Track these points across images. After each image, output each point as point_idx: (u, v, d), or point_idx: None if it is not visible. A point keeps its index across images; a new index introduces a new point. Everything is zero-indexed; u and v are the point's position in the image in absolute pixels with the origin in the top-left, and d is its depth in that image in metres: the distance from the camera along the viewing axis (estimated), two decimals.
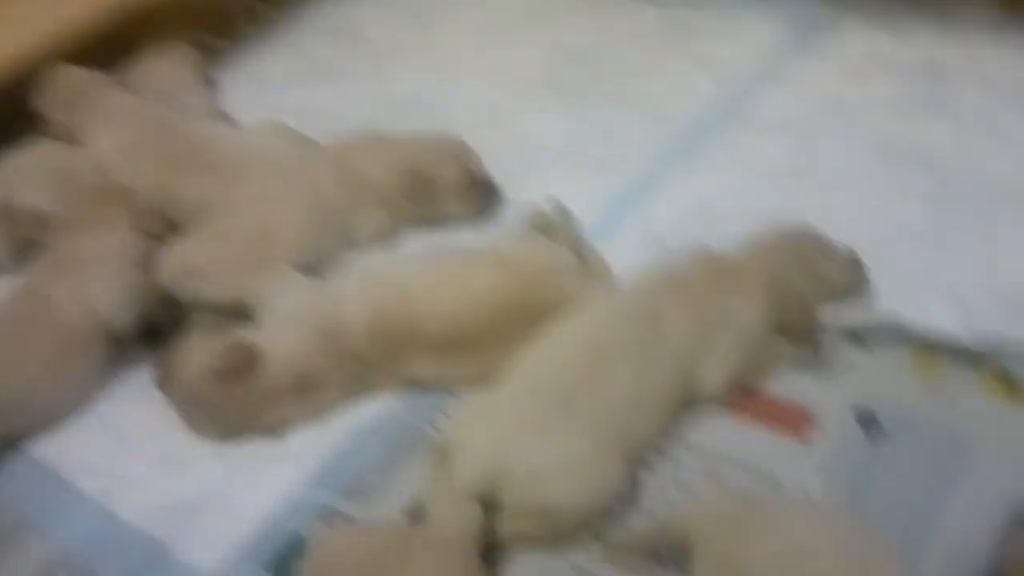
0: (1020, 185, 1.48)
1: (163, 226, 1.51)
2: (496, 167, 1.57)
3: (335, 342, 1.30)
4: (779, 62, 1.86)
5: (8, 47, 1.72)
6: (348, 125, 1.63)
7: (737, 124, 1.71)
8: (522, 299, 1.31)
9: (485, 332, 1.29)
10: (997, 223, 1.42)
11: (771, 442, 1.22)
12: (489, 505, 1.11)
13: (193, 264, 1.43)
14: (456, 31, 2.13)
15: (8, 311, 1.38)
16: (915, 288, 1.32)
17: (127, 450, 1.29)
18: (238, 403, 1.28)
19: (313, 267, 1.46)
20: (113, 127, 1.65)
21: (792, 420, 1.24)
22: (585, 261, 1.42)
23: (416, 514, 1.14)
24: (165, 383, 1.31)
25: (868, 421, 1.22)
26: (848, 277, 1.32)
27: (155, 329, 1.40)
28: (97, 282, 1.39)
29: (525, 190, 1.56)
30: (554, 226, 1.46)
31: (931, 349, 1.28)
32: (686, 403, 1.24)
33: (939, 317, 1.28)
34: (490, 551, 1.11)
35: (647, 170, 1.63)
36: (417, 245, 1.54)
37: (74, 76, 1.75)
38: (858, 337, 1.31)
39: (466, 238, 1.53)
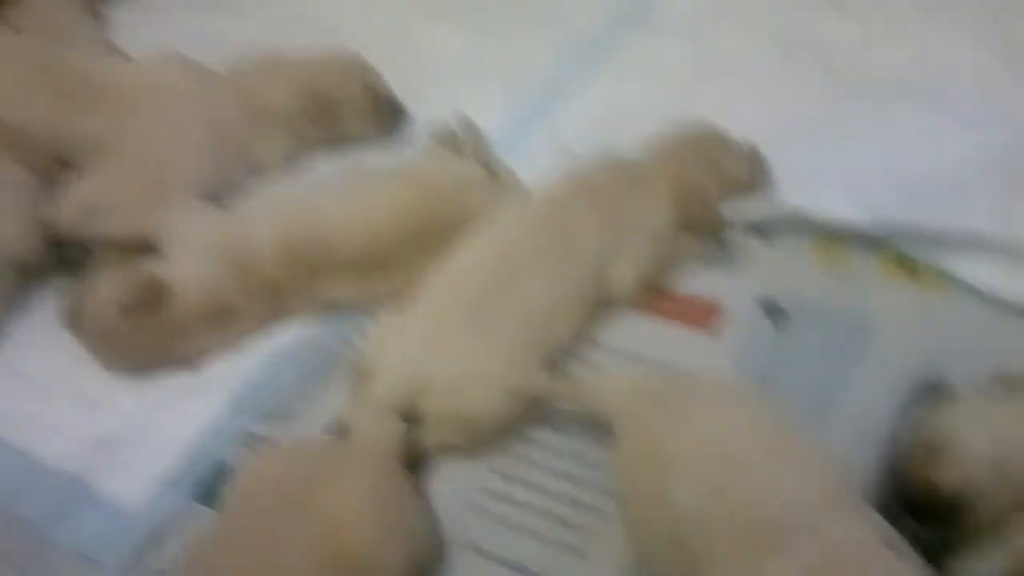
0: (916, 76, 1.51)
1: (56, 165, 1.46)
2: (398, 84, 1.55)
3: (245, 270, 1.28)
4: None
5: None
6: (243, 50, 1.58)
7: (637, 28, 1.71)
8: (432, 215, 1.31)
9: (397, 250, 1.29)
10: (895, 113, 1.45)
11: (683, 338, 1.25)
12: (410, 418, 1.12)
13: (93, 202, 1.39)
14: None
15: None
16: (815, 179, 1.34)
17: (41, 393, 1.26)
18: (149, 337, 1.26)
19: (217, 196, 1.43)
20: None
21: (702, 315, 1.27)
22: (494, 174, 1.42)
23: (339, 432, 1.15)
24: (73, 322, 1.28)
25: (774, 310, 1.26)
26: (750, 172, 1.34)
27: (60, 265, 1.36)
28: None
29: (429, 106, 1.54)
30: (461, 141, 1.46)
31: (832, 238, 1.32)
32: (599, 306, 1.27)
33: (839, 206, 1.31)
34: (415, 462, 1.12)
35: (551, 79, 1.62)
36: (323, 168, 1.51)
37: None
38: (762, 230, 1.34)
39: (372, 158, 1.51)
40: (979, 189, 1.26)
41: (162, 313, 1.25)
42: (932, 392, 1.09)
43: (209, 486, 1.15)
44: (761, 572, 0.85)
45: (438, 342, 1.15)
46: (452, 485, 1.13)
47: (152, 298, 1.24)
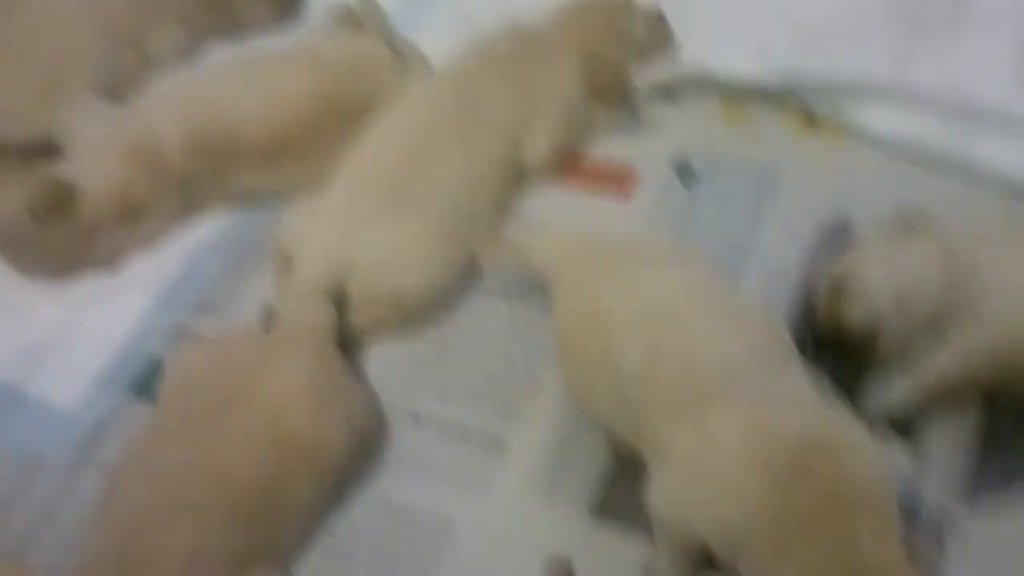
0: None
1: None
2: None
3: (152, 165, 1.26)
4: None
5: None
6: None
7: None
8: (339, 96, 1.31)
9: (306, 134, 1.29)
10: None
11: (598, 204, 1.28)
12: (339, 300, 1.14)
13: None
14: None
15: None
16: (716, 35, 1.36)
17: None
18: (62, 241, 1.24)
19: (114, 93, 1.39)
20: None
21: (616, 181, 1.30)
22: (398, 51, 1.41)
23: (269, 319, 1.16)
24: None
25: (685, 170, 1.30)
26: (654, 35, 1.36)
27: None
28: None
29: None
30: (362, 19, 1.43)
31: (737, 96, 1.35)
32: (515, 179, 1.29)
33: (740, 61, 1.33)
34: (347, 342, 1.14)
35: None
36: (222, 55, 1.48)
37: None
38: (669, 93, 1.36)
39: (272, 42, 1.48)
40: (876, 35, 1.29)
41: (72, 216, 1.22)
42: (838, 236, 1.15)
43: (146, 382, 1.15)
44: (701, 428, 0.87)
45: (358, 223, 1.16)
46: (387, 360, 1.16)
47: (60, 201, 1.22)
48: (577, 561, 0.99)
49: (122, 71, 1.43)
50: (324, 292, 1.13)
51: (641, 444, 0.95)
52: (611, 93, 1.33)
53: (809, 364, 0.95)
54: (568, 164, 1.31)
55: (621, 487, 1.03)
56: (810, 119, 1.32)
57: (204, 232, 1.30)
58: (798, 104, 1.33)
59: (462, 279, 1.20)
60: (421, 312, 1.18)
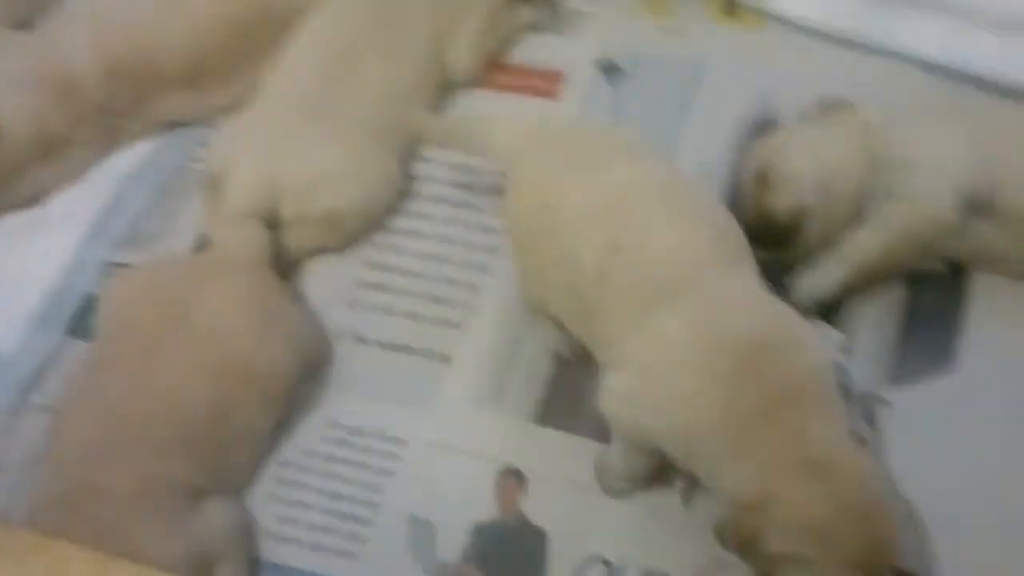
0: None
1: None
2: None
3: (69, 96, 1.23)
4: None
5: None
6: None
7: None
8: (257, 13, 1.28)
9: (226, 54, 1.26)
10: None
11: (527, 107, 1.28)
12: (273, 223, 1.13)
13: None
14: None
15: None
16: None
17: None
18: None
19: (22, 21, 1.34)
20: None
21: (543, 84, 1.30)
22: None
23: (203, 247, 1.15)
24: None
25: (609, 68, 1.29)
26: None
27: None
28: None
29: None
30: None
31: None
32: (443, 88, 1.27)
33: None
34: (285, 265, 1.14)
35: None
36: None
37: None
38: None
39: None
40: None
41: None
42: (764, 127, 1.16)
43: (81, 320, 1.14)
44: (650, 326, 0.88)
45: (285, 142, 1.14)
46: (326, 283, 1.16)
47: None
48: (523, 465, 1.01)
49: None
50: (256, 215, 1.12)
51: (593, 343, 0.96)
52: None
53: None
54: (495, 70, 1.30)
55: (562, 394, 1.05)
56: (731, 9, 1.32)
57: (129, 163, 1.27)
58: None
59: (396, 194, 1.19)
60: (357, 228, 1.17)
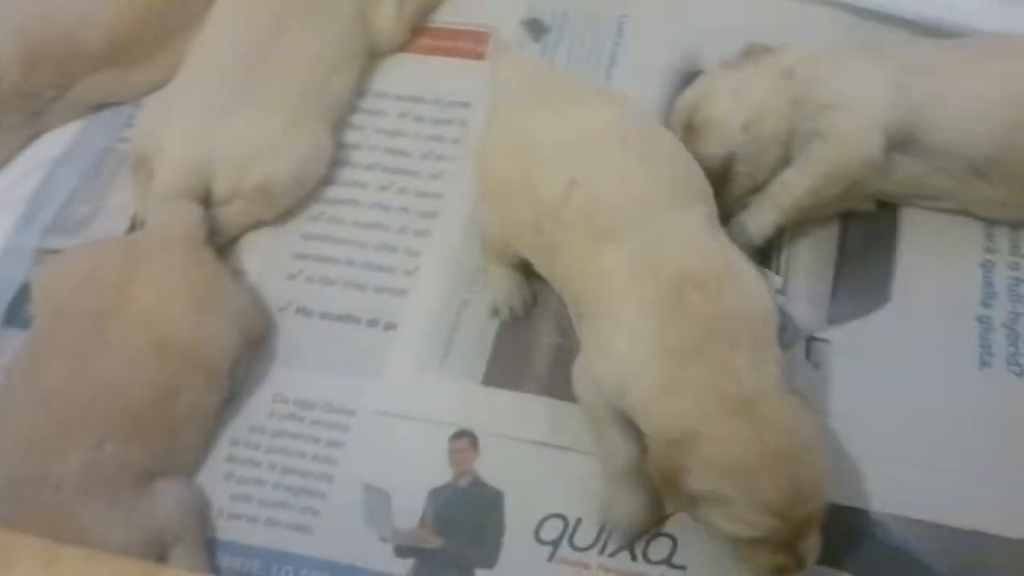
0: None
1: None
2: None
3: None
4: None
5: None
6: None
7: None
8: None
9: (147, 30, 1.24)
10: None
11: (457, 69, 1.27)
12: (206, 199, 1.12)
13: None
14: None
15: None
16: None
17: None
18: None
19: None
20: None
21: (472, 45, 1.29)
22: None
23: (137, 228, 1.13)
24: None
25: (534, 25, 1.30)
26: None
27: None
28: None
29: None
30: None
31: None
32: (370, 56, 1.26)
33: None
34: (222, 242, 1.13)
35: None
36: None
37: None
38: None
39: None
40: None
41: None
42: (691, 78, 1.16)
43: (17, 309, 1.12)
44: (597, 259, 0.90)
45: (213, 117, 1.13)
46: (264, 257, 1.15)
47: None
48: (475, 427, 1.02)
49: None
50: (189, 192, 1.10)
51: (556, 280, 0.98)
52: None
53: None
54: (423, 34, 1.30)
55: (509, 354, 1.06)
56: None
57: (56, 147, 1.25)
58: None
59: (329, 164, 1.18)
60: (291, 200, 1.16)
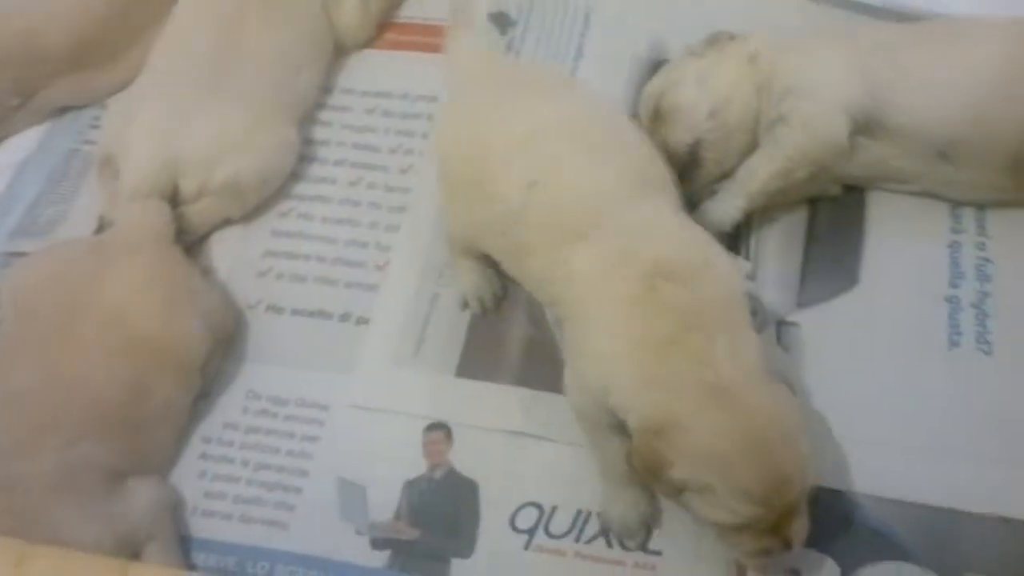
0: None
1: None
2: None
3: None
4: None
5: None
6: None
7: None
8: None
9: (108, 32, 1.23)
10: None
11: (423, 64, 1.27)
12: (174, 198, 1.11)
13: None
14: None
15: None
16: None
17: None
18: None
19: None
20: None
21: (438, 39, 1.27)
22: None
23: (105, 229, 1.12)
24: None
25: (501, 20, 1.30)
26: None
27: None
28: None
29: None
30: None
31: None
32: (337, 52, 1.26)
33: None
34: (190, 240, 1.12)
35: None
36: None
37: None
38: None
39: None
40: None
41: None
42: (657, 67, 1.17)
43: None
44: (568, 261, 0.89)
45: (178, 115, 1.12)
46: (234, 255, 1.15)
47: None
48: (449, 419, 1.02)
49: None
50: (156, 192, 1.10)
51: (527, 282, 0.97)
52: None
53: None
54: (388, 29, 1.30)
55: (481, 345, 1.06)
56: None
57: (20, 151, 1.25)
58: None
59: (297, 160, 1.18)
60: (258, 197, 1.16)
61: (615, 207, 0.90)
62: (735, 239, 1.09)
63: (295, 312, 1.11)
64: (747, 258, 1.08)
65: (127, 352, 0.97)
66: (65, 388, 0.95)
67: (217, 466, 1.02)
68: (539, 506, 0.96)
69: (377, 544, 0.96)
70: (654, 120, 1.07)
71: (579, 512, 0.96)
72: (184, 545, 0.97)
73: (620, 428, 0.87)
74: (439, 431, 1.02)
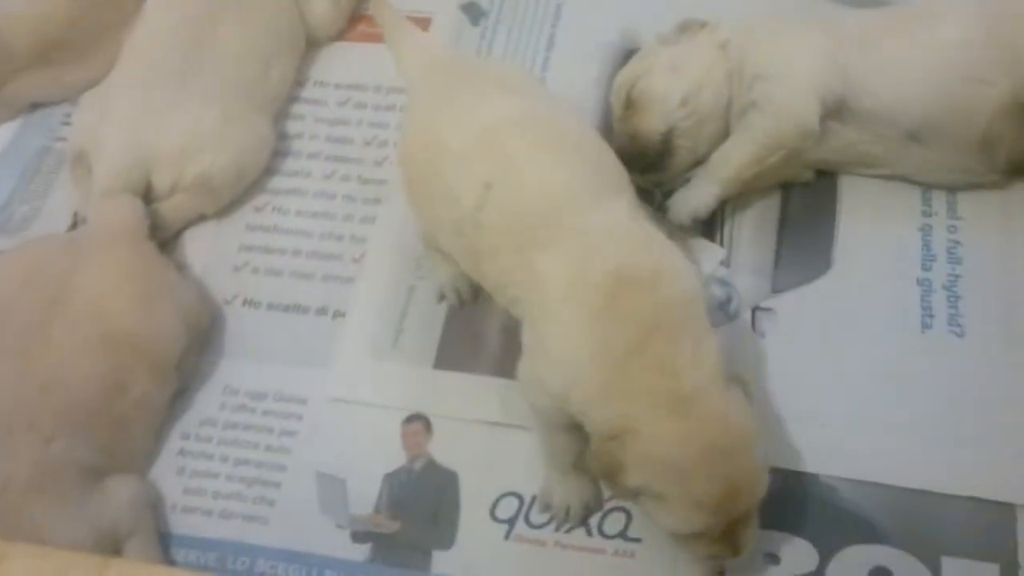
0: None
1: None
2: None
3: None
4: None
5: None
6: None
7: None
8: None
9: (76, 27, 1.22)
10: None
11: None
12: (147, 194, 1.11)
13: None
14: None
15: None
16: None
17: None
18: None
19: None
20: None
21: None
22: None
23: (79, 225, 1.12)
24: None
25: (473, 10, 1.30)
26: None
27: None
28: None
29: None
30: None
31: None
32: (309, 45, 1.26)
33: None
34: (164, 236, 1.12)
35: None
36: None
37: None
38: None
39: None
40: None
41: None
42: (630, 57, 1.17)
43: None
44: (526, 265, 0.88)
45: (151, 110, 1.12)
46: (209, 250, 1.15)
47: None
48: (427, 410, 1.02)
49: None
50: (129, 188, 1.09)
51: (487, 285, 0.96)
52: None
53: None
54: (358, 20, 1.30)
55: (458, 336, 1.06)
56: None
57: None
58: None
59: (270, 154, 1.18)
60: (232, 192, 1.15)
61: (571, 209, 0.88)
62: (709, 226, 1.09)
63: (271, 306, 1.11)
64: (721, 244, 1.09)
65: (103, 349, 0.97)
66: (41, 385, 0.94)
67: (196, 462, 1.01)
68: (519, 496, 0.97)
69: (358, 537, 0.96)
70: (627, 108, 1.07)
71: (547, 509, 0.96)
72: (164, 542, 0.97)
73: (572, 426, 0.88)
74: (418, 423, 1.02)
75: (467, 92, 0.98)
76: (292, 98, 1.24)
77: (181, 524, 0.98)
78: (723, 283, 1.05)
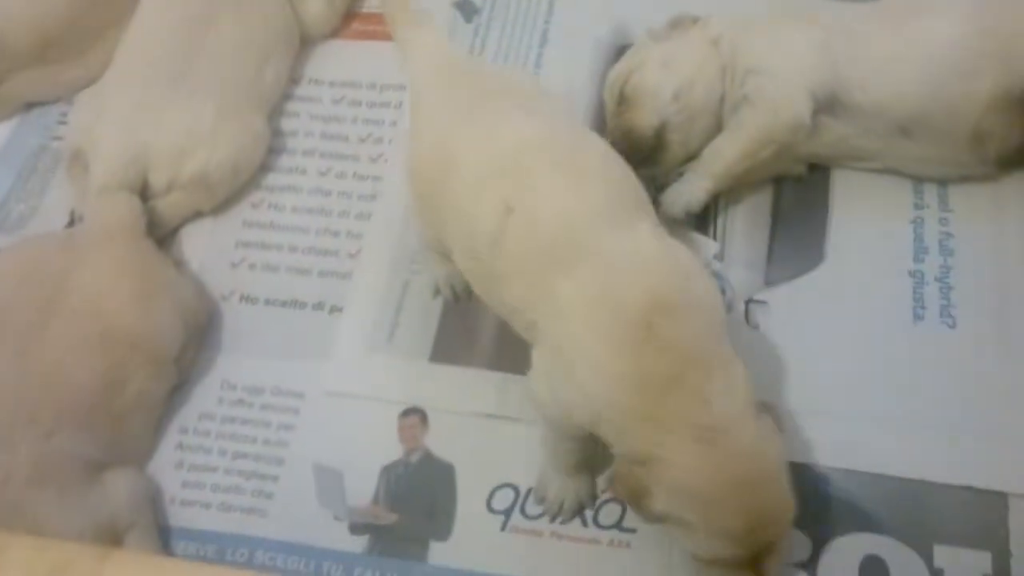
0: None
1: None
2: None
3: None
4: None
5: None
6: None
7: None
8: None
9: (73, 26, 1.23)
10: None
11: (391, 52, 1.24)
12: (144, 192, 1.11)
13: None
14: None
15: None
16: None
17: None
18: None
19: None
20: None
21: None
22: None
23: (76, 224, 1.13)
24: None
25: (466, 7, 1.31)
26: None
27: None
28: None
29: None
30: None
31: None
32: (303, 43, 1.27)
33: None
34: (161, 233, 1.13)
35: None
36: None
37: None
38: None
39: None
40: None
41: None
42: (622, 53, 1.17)
43: None
44: (550, 292, 0.85)
45: (147, 108, 1.12)
46: (206, 247, 1.15)
47: None
48: (424, 403, 1.03)
49: None
50: (126, 185, 1.10)
51: (501, 310, 0.93)
52: None
53: None
54: (353, 19, 1.31)
55: (454, 330, 1.07)
56: None
57: None
58: None
59: (266, 151, 1.19)
60: (228, 189, 1.16)
61: (595, 234, 0.85)
62: (702, 220, 1.10)
63: (269, 302, 1.11)
64: (714, 238, 1.09)
65: (101, 345, 0.98)
66: (41, 380, 0.95)
67: (194, 456, 1.02)
68: (515, 487, 0.98)
69: (355, 529, 0.97)
70: (619, 104, 1.08)
71: (541, 502, 0.96)
72: (164, 534, 0.97)
73: (582, 436, 0.88)
74: (414, 416, 1.03)
75: (485, 110, 0.94)
76: (287, 96, 1.24)
77: (180, 517, 0.99)
78: (716, 276, 1.06)
